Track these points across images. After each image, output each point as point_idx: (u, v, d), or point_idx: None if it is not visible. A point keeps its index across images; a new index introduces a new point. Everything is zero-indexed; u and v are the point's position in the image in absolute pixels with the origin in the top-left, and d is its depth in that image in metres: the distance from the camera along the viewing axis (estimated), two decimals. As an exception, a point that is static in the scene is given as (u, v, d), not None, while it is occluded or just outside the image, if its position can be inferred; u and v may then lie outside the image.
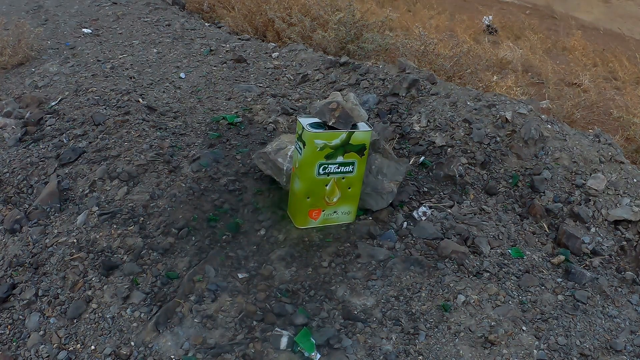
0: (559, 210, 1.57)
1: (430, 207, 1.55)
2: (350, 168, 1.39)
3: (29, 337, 1.26)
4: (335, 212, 1.45)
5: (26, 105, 2.17)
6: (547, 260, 1.45)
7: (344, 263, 1.36)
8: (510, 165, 1.72)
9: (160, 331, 1.19)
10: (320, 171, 1.36)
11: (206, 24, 3.79)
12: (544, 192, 1.62)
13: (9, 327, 1.30)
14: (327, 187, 1.40)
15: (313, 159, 1.33)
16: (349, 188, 1.43)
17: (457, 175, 1.66)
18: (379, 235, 1.45)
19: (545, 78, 3.67)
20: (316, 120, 1.35)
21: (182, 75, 2.60)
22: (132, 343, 1.18)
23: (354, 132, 1.35)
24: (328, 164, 1.36)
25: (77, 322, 1.26)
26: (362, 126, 1.38)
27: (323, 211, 1.43)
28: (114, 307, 1.26)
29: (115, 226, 1.46)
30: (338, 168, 1.37)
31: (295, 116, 2.02)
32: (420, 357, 1.14)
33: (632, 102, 3.26)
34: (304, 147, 1.32)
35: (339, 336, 1.16)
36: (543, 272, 1.40)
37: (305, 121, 1.33)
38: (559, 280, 1.38)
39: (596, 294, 1.34)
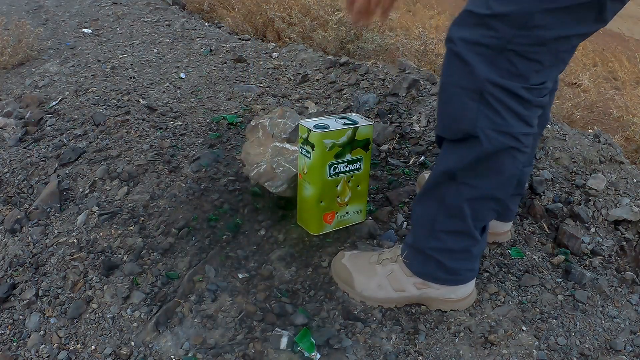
0: (559, 210, 1.57)
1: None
2: (357, 165, 1.39)
3: (29, 337, 1.26)
4: (347, 212, 1.45)
5: (26, 105, 2.17)
6: (547, 260, 1.45)
7: (344, 263, 1.36)
8: (510, 166, 1.72)
9: (161, 331, 1.19)
10: (331, 172, 1.35)
11: (206, 24, 3.80)
12: (543, 192, 1.62)
13: (9, 327, 1.30)
14: (338, 188, 1.39)
15: (324, 160, 1.32)
16: (358, 186, 1.42)
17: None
18: (379, 235, 1.45)
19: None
20: (317, 121, 1.34)
21: (182, 75, 2.60)
22: (132, 343, 1.18)
23: (359, 126, 1.34)
24: (338, 164, 1.35)
25: (77, 322, 1.26)
26: (362, 121, 1.38)
27: (336, 213, 1.43)
28: (114, 307, 1.26)
29: (115, 226, 1.46)
30: (347, 166, 1.37)
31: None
32: (420, 357, 1.14)
33: (632, 102, 3.26)
34: (312, 150, 1.31)
35: (339, 336, 1.16)
36: (543, 272, 1.40)
37: (308, 124, 1.32)
38: (559, 280, 1.38)
39: (596, 294, 1.34)
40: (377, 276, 1.21)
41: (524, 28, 0.88)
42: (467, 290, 1.21)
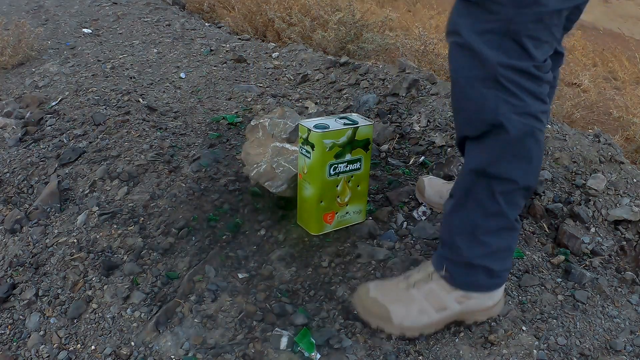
0: (559, 210, 1.57)
1: (430, 207, 1.55)
2: (358, 165, 1.39)
3: (29, 337, 1.26)
4: (347, 212, 1.44)
5: (26, 105, 2.17)
6: (547, 260, 1.45)
7: (344, 263, 1.36)
8: (510, 166, 1.71)
9: (161, 331, 1.19)
10: (331, 172, 1.35)
11: (206, 24, 3.80)
12: (543, 192, 1.62)
13: (9, 327, 1.30)
14: (338, 188, 1.39)
15: (324, 160, 1.32)
16: (358, 186, 1.42)
17: (457, 175, 1.66)
18: (379, 235, 1.45)
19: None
20: (317, 121, 1.34)
21: (182, 75, 2.60)
22: (132, 343, 1.18)
23: (359, 126, 1.34)
24: (338, 164, 1.35)
25: (77, 322, 1.26)
26: (362, 121, 1.38)
27: (336, 213, 1.42)
28: (114, 307, 1.26)
29: (115, 226, 1.47)
30: (347, 166, 1.37)
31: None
32: (420, 357, 1.14)
33: (632, 102, 3.26)
34: (312, 150, 1.31)
35: (339, 336, 1.16)
36: (543, 272, 1.40)
37: (308, 124, 1.32)
38: (559, 280, 1.38)
39: (596, 294, 1.34)
40: (416, 301, 1.12)
41: (522, 6, 0.90)
42: (500, 293, 1.17)
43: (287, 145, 1.50)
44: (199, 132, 1.97)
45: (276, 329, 1.18)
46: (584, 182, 1.63)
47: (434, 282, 1.13)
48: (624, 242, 1.51)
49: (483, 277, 1.12)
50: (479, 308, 1.16)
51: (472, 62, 0.95)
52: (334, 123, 1.34)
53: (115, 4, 3.92)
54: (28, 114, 2.07)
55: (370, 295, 1.16)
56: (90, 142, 1.83)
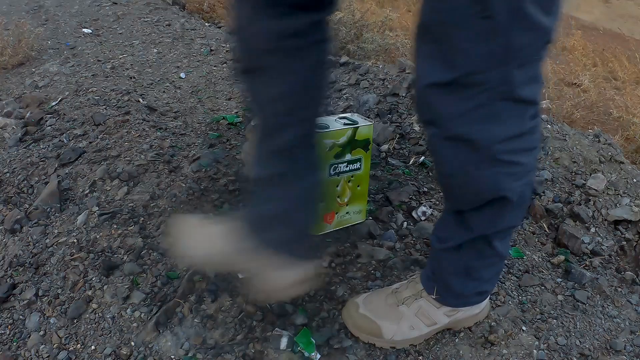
0: (559, 210, 1.57)
1: (430, 207, 1.55)
2: (358, 165, 1.39)
3: (29, 337, 1.26)
4: (347, 212, 1.44)
5: (26, 105, 2.17)
6: (547, 260, 1.45)
7: (344, 263, 1.36)
8: (510, 166, 1.71)
9: (161, 331, 1.19)
10: (331, 172, 1.35)
11: (206, 24, 3.80)
12: (543, 192, 1.62)
13: (9, 327, 1.30)
14: (338, 188, 1.39)
15: (324, 160, 1.32)
16: (358, 186, 1.42)
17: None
18: (379, 235, 1.45)
19: (545, 78, 3.67)
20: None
21: (182, 75, 2.60)
22: (132, 343, 1.18)
23: (359, 126, 1.34)
24: (338, 164, 1.35)
25: (77, 322, 1.26)
26: (362, 121, 1.38)
27: (336, 213, 1.42)
28: (114, 307, 1.26)
29: (115, 226, 1.46)
30: (347, 166, 1.37)
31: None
32: (420, 357, 1.14)
33: (632, 102, 3.26)
34: None
35: (339, 336, 1.16)
36: (543, 272, 1.40)
37: None
38: (559, 280, 1.38)
39: (596, 294, 1.34)
40: (406, 318, 1.13)
41: (510, 59, 0.74)
42: (486, 299, 1.21)
43: None
44: (199, 132, 1.97)
45: (276, 329, 1.18)
46: (584, 182, 1.63)
47: (423, 299, 1.14)
48: (624, 242, 1.51)
49: (474, 298, 1.15)
50: (466, 317, 1.18)
51: (463, 151, 0.81)
52: (334, 123, 1.34)
53: (115, 4, 3.92)
54: (28, 114, 2.06)
55: (360, 312, 1.16)
56: (90, 142, 1.83)
